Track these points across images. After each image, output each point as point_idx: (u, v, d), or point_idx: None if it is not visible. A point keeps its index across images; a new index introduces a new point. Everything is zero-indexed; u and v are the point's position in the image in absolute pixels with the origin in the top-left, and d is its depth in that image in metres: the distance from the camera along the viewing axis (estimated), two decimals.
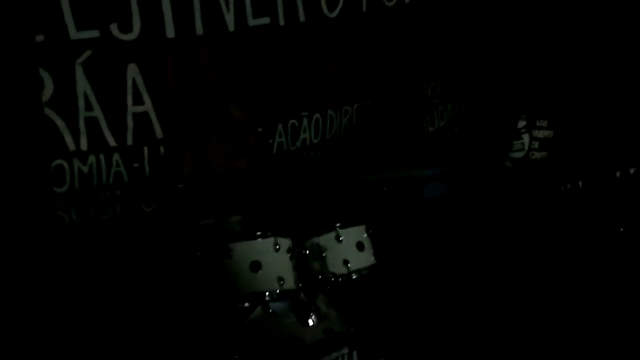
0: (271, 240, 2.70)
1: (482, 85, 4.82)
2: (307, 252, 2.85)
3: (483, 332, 3.14)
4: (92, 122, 3.13)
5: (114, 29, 3.11)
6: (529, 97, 4.18)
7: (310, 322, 2.68)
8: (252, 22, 3.61)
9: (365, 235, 2.98)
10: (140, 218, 3.28)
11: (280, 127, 3.87)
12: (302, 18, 3.83)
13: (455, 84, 4.91)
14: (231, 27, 3.53)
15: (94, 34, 3.05)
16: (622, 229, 3.37)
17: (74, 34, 2.99)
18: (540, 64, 4.41)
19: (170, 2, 3.26)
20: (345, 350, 2.59)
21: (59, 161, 3.07)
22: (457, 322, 3.20)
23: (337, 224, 2.90)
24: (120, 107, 3.21)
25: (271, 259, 2.68)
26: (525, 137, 4.09)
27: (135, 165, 3.30)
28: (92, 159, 3.16)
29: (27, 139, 2.97)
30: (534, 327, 3.12)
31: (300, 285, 2.74)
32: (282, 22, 3.74)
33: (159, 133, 3.34)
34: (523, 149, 4.09)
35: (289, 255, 2.74)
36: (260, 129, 3.59)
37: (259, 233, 2.71)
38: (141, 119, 3.28)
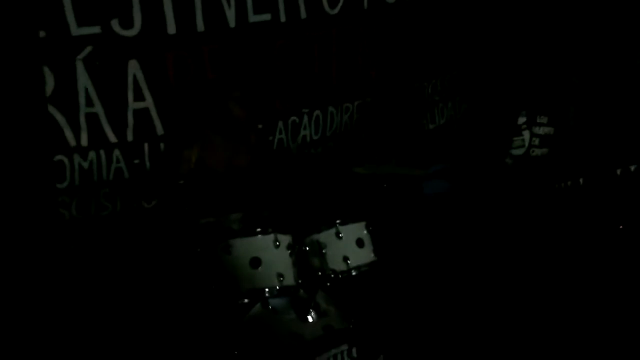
0: (271, 236, 2.71)
1: (483, 82, 4.82)
2: (307, 248, 2.86)
3: (482, 328, 3.15)
4: (92, 118, 3.14)
5: (115, 25, 3.11)
6: (529, 93, 4.18)
7: (310, 319, 2.69)
8: (253, 18, 3.61)
9: (365, 232, 2.98)
10: (141, 214, 3.29)
11: (280, 123, 3.87)
12: (303, 15, 3.83)
13: (455, 81, 4.91)
14: (232, 24, 3.53)
15: (95, 29, 3.06)
16: (621, 227, 3.37)
17: (75, 30, 3.00)
18: (541, 60, 4.40)
19: None
20: (345, 347, 2.59)
21: (59, 157, 3.08)
22: (456, 318, 3.21)
23: (337, 221, 2.91)
24: (121, 103, 3.22)
25: (271, 255, 2.69)
26: (526, 134, 4.08)
27: (136, 161, 3.31)
28: (92, 154, 3.17)
29: (30, 134, 2.98)
30: (533, 323, 3.13)
31: (300, 281, 2.75)
32: (283, 19, 3.74)
33: (159, 129, 3.35)
34: (523, 146, 4.08)
35: (289, 251, 2.75)
36: (260, 126, 3.58)
37: (259, 229, 2.72)
38: (142, 115, 3.29)
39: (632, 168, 3.50)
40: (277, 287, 2.65)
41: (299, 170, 3.67)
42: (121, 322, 2.93)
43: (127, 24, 3.15)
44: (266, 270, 2.66)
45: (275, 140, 3.87)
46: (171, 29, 3.30)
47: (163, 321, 2.84)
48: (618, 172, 3.51)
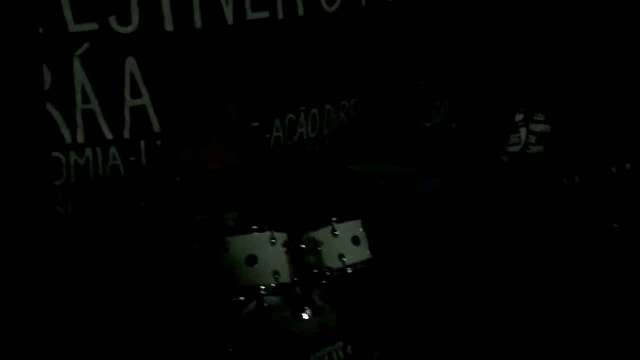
0: (267, 234, 2.72)
1: (481, 78, 4.81)
2: (303, 246, 2.86)
3: (476, 326, 3.16)
4: (89, 115, 3.14)
5: (112, 21, 3.11)
6: (527, 90, 4.18)
7: (305, 316, 2.70)
8: (251, 15, 3.61)
9: (360, 229, 2.99)
10: (137, 211, 3.29)
11: (277, 121, 3.87)
12: (301, 12, 3.82)
13: (453, 80, 4.91)
14: (230, 21, 3.53)
15: (93, 26, 3.05)
16: (616, 225, 3.38)
17: (72, 26, 3.00)
18: (539, 57, 4.40)
19: None
20: (340, 344, 2.60)
21: (55, 154, 3.08)
22: (451, 316, 3.22)
23: (333, 219, 2.92)
24: (117, 100, 3.21)
25: (267, 252, 2.70)
26: (523, 131, 4.08)
27: (132, 158, 3.30)
28: (88, 152, 3.17)
29: (27, 131, 2.98)
30: (528, 320, 3.14)
31: (295, 279, 2.76)
32: (281, 16, 3.74)
33: (156, 127, 3.34)
34: (520, 143, 4.08)
35: (285, 249, 2.76)
36: (257, 124, 3.60)
37: (255, 227, 2.73)
38: (138, 112, 3.28)
39: (628, 166, 3.50)
40: (273, 285, 2.66)
41: (295, 168, 3.68)
42: (117, 320, 2.93)
43: (125, 20, 3.15)
44: (262, 267, 2.66)
45: (272, 138, 3.86)
46: (169, 26, 3.30)
47: (158, 318, 2.84)
48: (614, 170, 3.52)
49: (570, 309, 3.15)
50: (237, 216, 2.97)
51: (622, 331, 3.00)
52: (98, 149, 3.20)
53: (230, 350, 2.59)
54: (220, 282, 2.63)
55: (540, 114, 4.10)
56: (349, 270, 2.87)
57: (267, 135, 3.83)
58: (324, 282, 2.86)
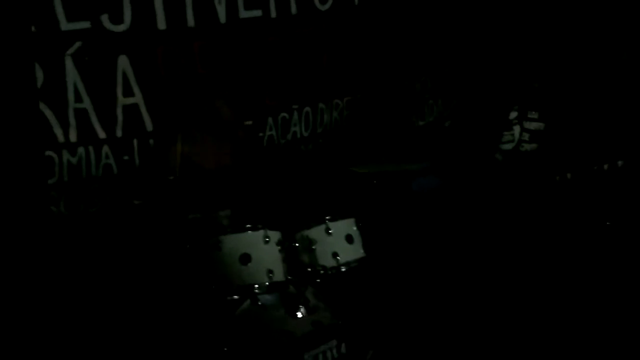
0: (261, 232, 2.71)
1: (474, 77, 4.82)
2: (297, 244, 2.86)
3: (471, 324, 3.16)
4: (81, 114, 3.13)
5: (104, 20, 3.10)
6: (521, 88, 4.18)
7: (299, 315, 2.70)
8: (243, 14, 3.61)
9: (354, 228, 2.99)
10: (130, 210, 3.28)
11: (270, 120, 3.87)
12: (293, 11, 3.83)
13: (446, 79, 4.92)
14: (223, 19, 3.53)
15: (85, 25, 3.05)
16: (608, 223, 3.39)
17: (64, 25, 2.99)
18: (533, 55, 4.41)
19: None
20: (334, 343, 2.61)
21: (48, 153, 3.07)
22: (445, 314, 3.22)
23: (327, 217, 2.91)
24: (110, 99, 3.21)
25: (261, 251, 2.69)
26: (516, 129, 4.08)
27: (125, 157, 3.30)
28: (81, 150, 3.16)
29: (20, 130, 2.97)
30: (521, 318, 3.14)
31: (289, 277, 2.75)
32: (273, 15, 3.74)
33: (149, 125, 3.34)
34: (513, 141, 4.08)
35: (279, 247, 2.76)
36: (250, 122, 3.59)
37: (248, 225, 2.72)
38: (131, 111, 3.28)
39: (620, 163, 3.51)
40: (267, 283, 2.66)
41: (289, 167, 3.68)
42: (110, 319, 2.92)
43: (117, 19, 3.14)
44: (256, 266, 2.66)
45: (265, 136, 3.86)
46: (161, 24, 3.29)
47: (152, 317, 2.83)
48: (605, 167, 3.53)
49: (564, 306, 3.15)
50: (230, 215, 2.97)
51: (616, 328, 3.01)
52: (91, 148, 3.19)
53: (225, 349, 2.59)
54: (214, 281, 2.63)
55: (534, 112, 4.10)
56: (343, 269, 2.87)
57: (261, 134, 3.83)
58: (318, 280, 2.86)
